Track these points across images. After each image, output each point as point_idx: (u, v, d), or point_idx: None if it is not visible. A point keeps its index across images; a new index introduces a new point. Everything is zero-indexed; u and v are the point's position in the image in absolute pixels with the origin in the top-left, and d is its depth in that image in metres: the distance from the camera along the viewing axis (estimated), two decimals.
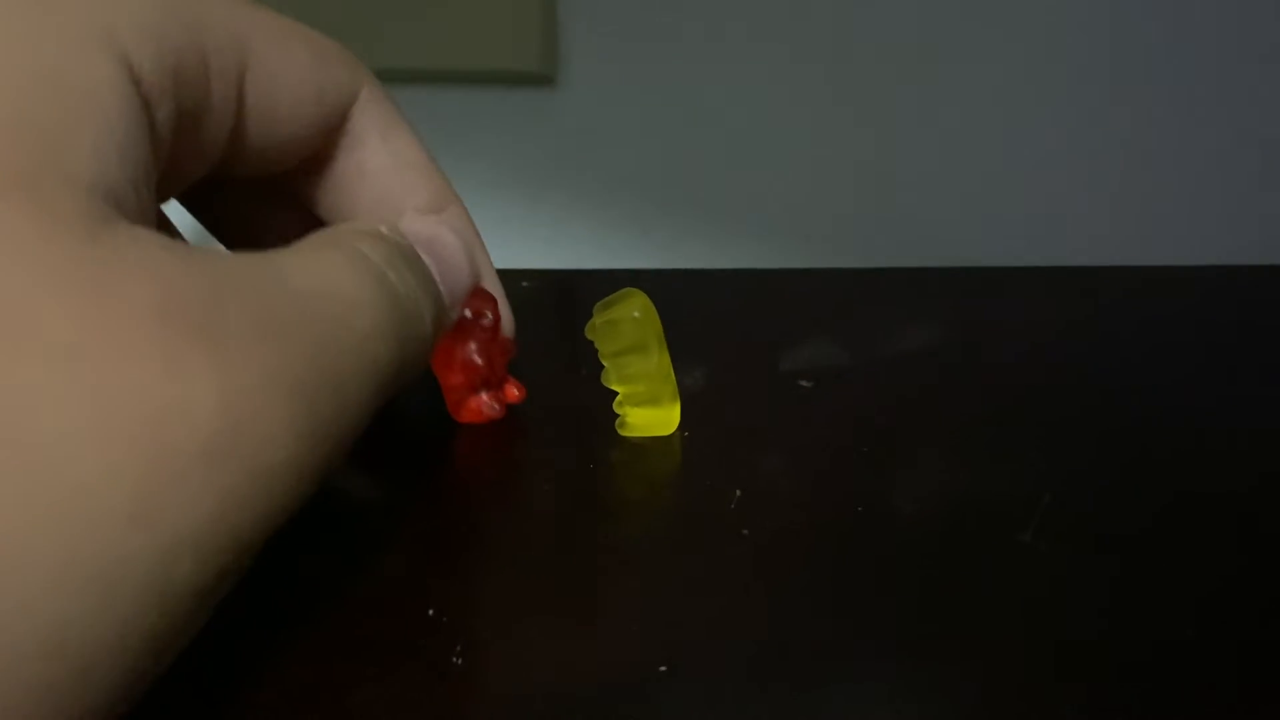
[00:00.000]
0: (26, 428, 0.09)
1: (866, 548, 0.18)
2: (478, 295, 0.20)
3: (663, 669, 0.15)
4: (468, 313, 0.19)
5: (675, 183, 0.40)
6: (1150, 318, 0.31)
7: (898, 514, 0.19)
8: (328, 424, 0.12)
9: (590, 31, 0.37)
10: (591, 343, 0.21)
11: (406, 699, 0.14)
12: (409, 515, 0.19)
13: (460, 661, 0.15)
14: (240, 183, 0.17)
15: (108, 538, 0.09)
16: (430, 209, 0.19)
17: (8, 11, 0.12)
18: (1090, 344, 0.28)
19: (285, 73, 0.16)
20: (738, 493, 0.19)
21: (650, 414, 0.21)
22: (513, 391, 0.22)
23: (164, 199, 0.17)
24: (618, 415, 0.21)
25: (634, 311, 0.20)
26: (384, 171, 0.19)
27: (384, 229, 0.16)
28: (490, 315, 0.20)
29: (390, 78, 0.19)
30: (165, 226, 0.19)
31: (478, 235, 0.21)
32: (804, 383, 0.24)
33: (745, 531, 0.18)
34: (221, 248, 0.21)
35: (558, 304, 0.31)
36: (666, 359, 0.21)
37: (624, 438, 0.21)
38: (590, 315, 0.21)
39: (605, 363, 0.21)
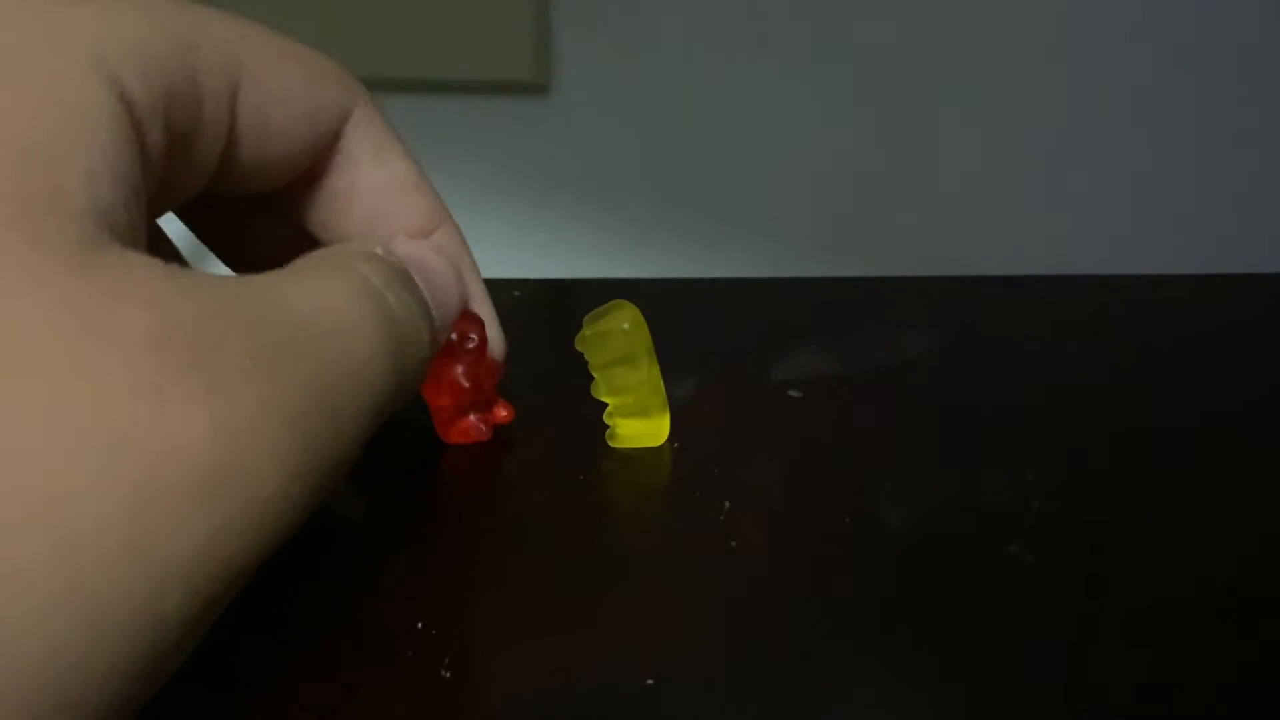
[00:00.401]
0: (18, 460, 0.09)
1: (856, 559, 0.18)
2: (464, 317, 0.20)
3: (650, 682, 0.15)
4: (454, 336, 0.19)
5: (667, 190, 0.40)
6: (1144, 326, 0.31)
7: (887, 525, 0.19)
8: (324, 453, 0.13)
9: (583, 40, 0.38)
10: (581, 354, 0.21)
11: (395, 712, 0.14)
12: (398, 527, 0.19)
13: (449, 674, 0.15)
14: (233, 198, 0.17)
15: (99, 570, 0.10)
16: (422, 229, 0.19)
17: None
18: (1082, 354, 0.28)
19: (278, 92, 0.16)
20: (727, 504, 0.19)
21: (640, 425, 0.21)
22: (500, 413, 0.22)
23: (157, 215, 0.17)
24: (607, 427, 0.21)
25: (623, 323, 0.20)
26: (376, 190, 0.19)
27: (380, 250, 0.16)
28: (476, 338, 0.20)
29: (384, 87, 0.19)
30: (161, 242, 0.19)
31: (469, 255, 0.21)
32: (794, 393, 0.24)
33: (734, 543, 0.18)
34: (217, 261, 0.21)
35: (549, 314, 0.31)
36: (656, 370, 0.21)
37: (614, 449, 0.21)
38: (581, 325, 0.21)
39: (595, 374, 0.21)
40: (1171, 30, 0.38)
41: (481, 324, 0.20)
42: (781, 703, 0.14)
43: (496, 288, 0.22)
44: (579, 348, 0.21)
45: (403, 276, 0.16)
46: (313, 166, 0.18)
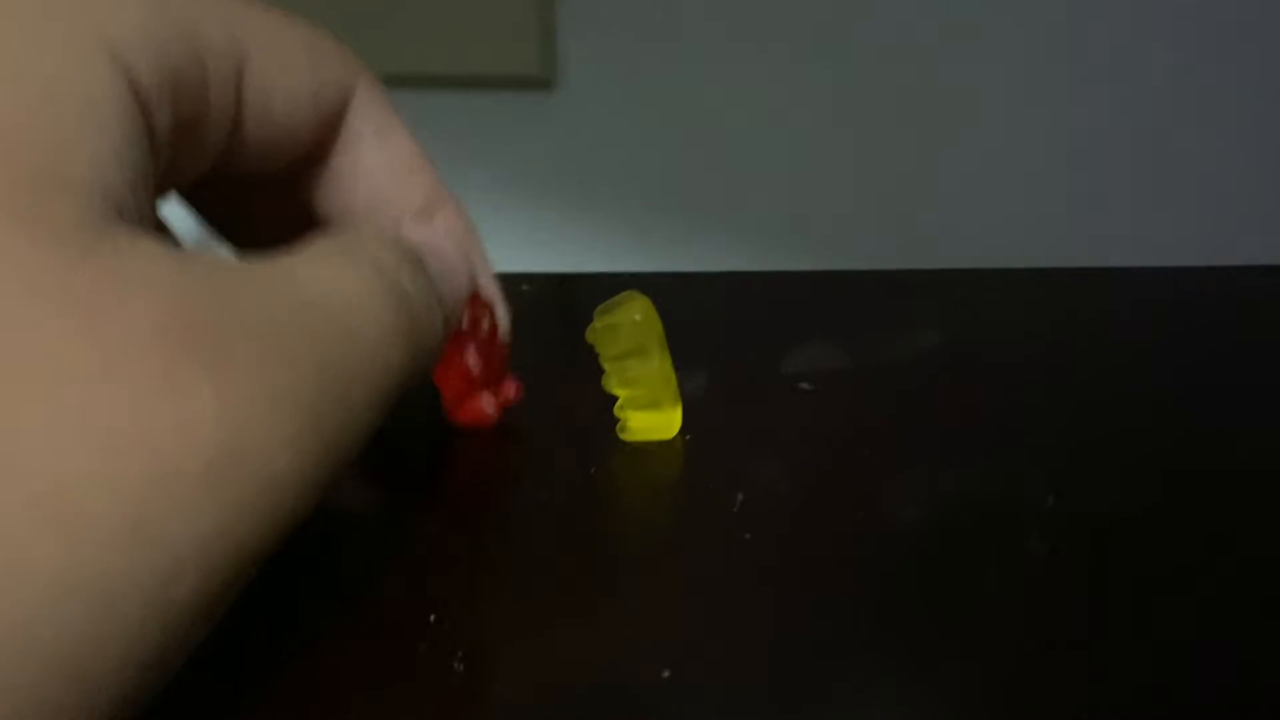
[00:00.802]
0: (25, 449, 0.09)
1: (869, 552, 0.18)
2: (475, 302, 0.20)
3: (666, 674, 0.14)
4: (464, 320, 0.19)
5: (674, 185, 0.40)
6: (1154, 319, 0.31)
7: (900, 518, 0.19)
8: (334, 436, 0.12)
9: (588, 35, 0.37)
10: (592, 347, 0.21)
11: (407, 706, 0.14)
12: (409, 521, 0.19)
13: (461, 668, 0.14)
14: (236, 178, 0.17)
15: (110, 555, 0.09)
16: (425, 207, 0.19)
17: (4, 18, 0.12)
18: (1093, 346, 0.28)
19: (283, 74, 0.16)
20: (740, 496, 0.19)
21: (651, 418, 0.21)
22: (509, 392, 0.21)
23: (160, 197, 0.17)
24: (618, 419, 0.21)
25: (635, 315, 0.20)
26: (379, 169, 0.19)
27: (389, 234, 0.16)
28: (487, 322, 0.20)
29: (388, 82, 0.19)
30: (162, 232, 0.18)
31: (475, 234, 0.21)
32: (805, 385, 0.24)
33: (748, 535, 0.18)
34: (218, 245, 0.21)
35: (558, 308, 0.31)
36: (668, 362, 0.21)
37: (625, 442, 0.21)
38: (591, 319, 0.21)
39: (606, 366, 0.21)
40: (1171, 28, 0.38)
41: (489, 308, 0.20)
42: (799, 695, 0.14)
43: (504, 283, 0.22)
44: (590, 340, 0.20)
45: (413, 259, 0.16)
46: (316, 145, 0.18)
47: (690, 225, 0.40)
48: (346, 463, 0.13)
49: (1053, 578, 0.17)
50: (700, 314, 0.29)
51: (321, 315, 0.13)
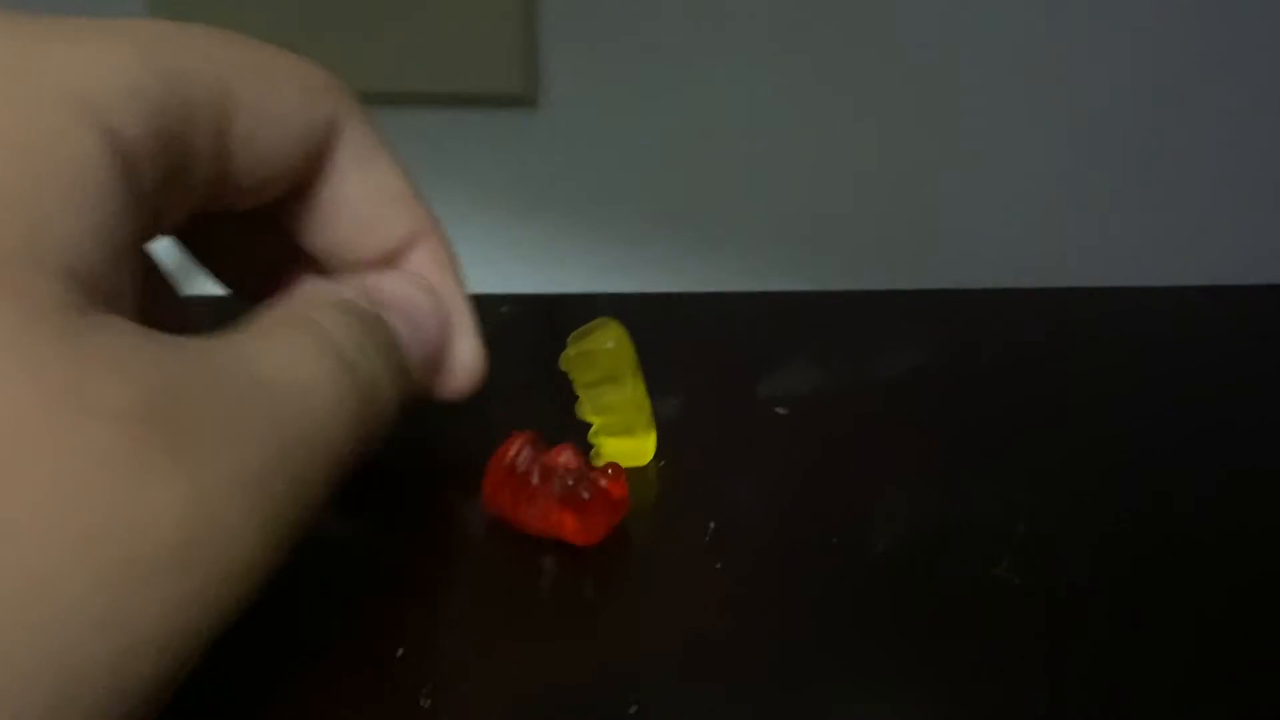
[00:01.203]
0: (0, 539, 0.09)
1: (841, 580, 0.18)
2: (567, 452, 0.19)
3: (633, 709, 0.14)
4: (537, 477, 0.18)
5: (656, 204, 0.40)
6: (1129, 341, 0.31)
7: (873, 545, 0.19)
8: (286, 513, 0.13)
9: (571, 53, 0.37)
10: (567, 373, 0.21)
11: None
12: (379, 552, 0.19)
13: (429, 703, 0.14)
14: (222, 214, 0.17)
15: (72, 643, 0.10)
16: (408, 239, 0.19)
17: None
18: (1069, 369, 0.28)
19: (271, 115, 0.16)
20: (711, 525, 0.19)
21: (625, 444, 0.21)
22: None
23: (146, 242, 0.17)
24: (593, 446, 0.21)
25: (608, 342, 0.20)
26: (363, 201, 0.19)
27: (349, 294, 0.16)
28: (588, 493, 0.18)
29: (371, 100, 0.19)
30: (151, 271, 0.18)
31: (456, 266, 0.21)
32: (780, 409, 0.24)
33: (719, 565, 0.18)
34: (197, 271, 0.21)
35: (536, 330, 0.31)
36: (641, 389, 0.21)
37: None
38: (567, 342, 0.21)
39: (580, 393, 0.21)
40: (1168, 43, 0.38)
41: (580, 461, 0.19)
42: None
43: (484, 303, 0.22)
44: (564, 367, 0.20)
45: (370, 325, 0.16)
46: (301, 177, 0.18)
47: (673, 244, 0.40)
48: (298, 535, 0.13)
49: (1030, 603, 0.17)
50: (678, 336, 0.29)
51: (269, 394, 0.13)
